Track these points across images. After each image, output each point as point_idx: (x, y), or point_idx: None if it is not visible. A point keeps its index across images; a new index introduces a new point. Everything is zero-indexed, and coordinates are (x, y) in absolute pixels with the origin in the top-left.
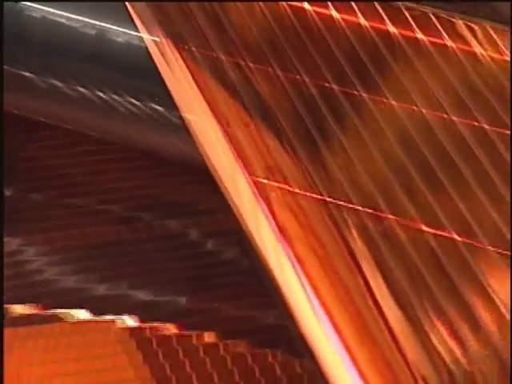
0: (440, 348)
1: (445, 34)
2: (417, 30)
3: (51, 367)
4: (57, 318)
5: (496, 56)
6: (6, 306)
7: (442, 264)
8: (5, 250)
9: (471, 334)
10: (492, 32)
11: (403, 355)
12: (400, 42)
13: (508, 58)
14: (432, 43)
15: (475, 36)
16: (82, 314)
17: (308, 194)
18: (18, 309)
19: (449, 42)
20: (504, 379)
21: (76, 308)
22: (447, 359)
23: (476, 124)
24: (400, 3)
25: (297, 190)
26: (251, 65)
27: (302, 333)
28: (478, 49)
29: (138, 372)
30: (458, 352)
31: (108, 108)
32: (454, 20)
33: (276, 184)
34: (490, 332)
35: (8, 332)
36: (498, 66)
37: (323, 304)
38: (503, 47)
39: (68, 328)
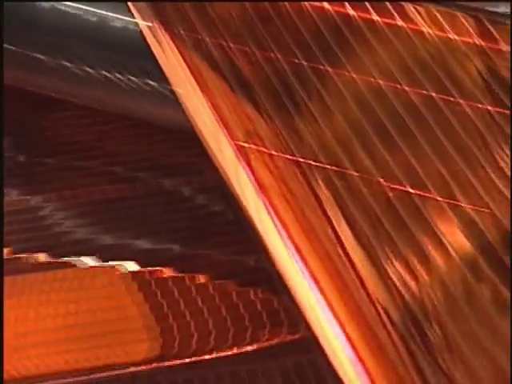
0: (395, 279)
1: (396, 16)
2: (373, 12)
3: (51, 308)
4: (64, 265)
5: (440, 34)
6: (18, 255)
7: (398, 211)
8: (21, 207)
9: (422, 267)
10: (436, 13)
11: (364, 287)
12: (359, 24)
13: (451, 36)
14: (386, 24)
15: (422, 17)
16: (89, 261)
17: (282, 155)
18: (29, 257)
19: (400, 23)
20: (449, 305)
21: (83, 256)
22: (401, 288)
23: (425, 92)
24: None
25: (273, 152)
26: (231, 45)
27: (279, 272)
28: (425, 28)
29: (140, 309)
30: (410, 282)
31: (109, 84)
32: (403, 4)
33: (254, 146)
34: (438, 265)
35: (10, 280)
36: (442, 42)
37: (296, 247)
38: (446, 26)
39: (73, 273)
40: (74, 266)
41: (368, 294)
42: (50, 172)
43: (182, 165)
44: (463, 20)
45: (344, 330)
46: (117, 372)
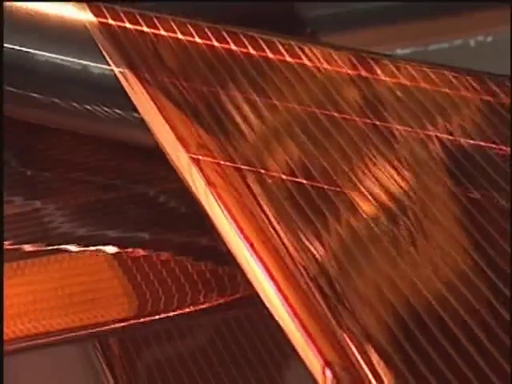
0: (311, 246)
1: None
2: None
3: (44, 284)
4: (56, 251)
5: (322, 67)
6: (19, 245)
7: (311, 195)
8: (24, 209)
9: (329, 236)
10: (316, 51)
11: (290, 253)
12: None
13: (338, 68)
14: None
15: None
16: (75, 247)
17: (224, 162)
18: (28, 246)
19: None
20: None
21: (71, 244)
22: (316, 252)
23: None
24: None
25: (218, 159)
26: (183, 82)
27: (227, 247)
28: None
29: (118, 281)
30: (321, 247)
31: (90, 114)
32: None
33: (204, 156)
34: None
35: (14, 264)
36: (324, 74)
37: (238, 225)
38: (328, 61)
39: (63, 257)
40: (65, 251)
41: (292, 258)
42: (47, 182)
43: (148, 173)
44: (338, 56)
45: (279, 288)
46: (98, 329)
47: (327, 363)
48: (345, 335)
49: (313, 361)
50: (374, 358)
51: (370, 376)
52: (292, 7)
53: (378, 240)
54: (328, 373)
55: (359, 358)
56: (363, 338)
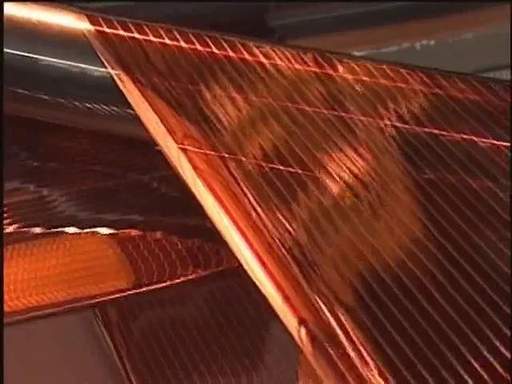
0: (284, 221)
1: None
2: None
3: (48, 261)
4: (59, 233)
5: (285, 66)
6: (26, 228)
7: (285, 178)
8: (33, 196)
9: (301, 209)
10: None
11: (268, 229)
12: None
13: (296, 67)
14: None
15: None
16: (77, 229)
17: (209, 150)
18: (34, 228)
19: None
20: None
21: (73, 226)
22: (289, 225)
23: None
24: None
25: (203, 148)
26: (172, 82)
27: (213, 225)
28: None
29: (116, 257)
30: (294, 220)
31: (90, 112)
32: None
33: (191, 145)
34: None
35: (22, 245)
36: (288, 73)
37: (223, 205)
38: (289, 61)
39: (66, 237)
40: (67, 233)
41: (270, 232)
42: (52, 172)
43: (141, 162)
44: (305, 56)
45: (259, 258)
46: (98, 299)
47: (302, 321)
48: (316, 297)
49: (290, 320)
50: (343, 315)
51: (339, 332)
52: (261, 17)
53: (344, 213)
54: (303, 330)
55: (329, 316)
56: (332, 298)
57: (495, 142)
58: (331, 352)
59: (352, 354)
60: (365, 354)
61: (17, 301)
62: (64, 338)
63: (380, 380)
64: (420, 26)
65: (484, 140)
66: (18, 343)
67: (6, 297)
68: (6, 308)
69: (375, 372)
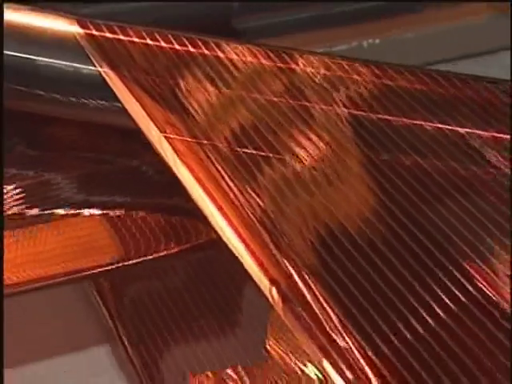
0: (254, 196)
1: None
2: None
3: (46, 239)
4: (56, 214)
5: (249, 60)
6: (27, 210)
7: (255, 157)
8: (33, 181)
9: (268, 183)
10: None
11: (243, 206)
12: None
13: (260, 62)
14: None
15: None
16: (73, 210)
17: (188, 135)
18: (33, 210)
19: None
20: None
21: (69, 207)
22: (259, 199)
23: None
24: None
25: (183, 134)
26: (154, 77)
27: (194, 204)
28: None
29: (106, 233)
30: (260, 196)
31: (84, 105)
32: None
33: (172, 132)
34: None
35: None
36: (250, 67)
37: (202, 184)
38: (254, 57)
39: (62, 218)
40: (63, 214)
41: (242, 205)
42: (49, 160)
43: (129, 149)
44: (269, 52)
45: (234, 228)
46: (92, 271)
47: (273, 282)
48: (285, 260)
49: (262, 281)
50: (307, 275)
51: (305, 289)
52: (229, 21)
53: (306, 186)
54: (274, 289)
55: (296, 276)
56: (299, 261)
57: (440, 125)
58: (299, 307)
59: (316, 308)
60: (327, 307)
61: (17, 274)
62: (61, 306)
63: (341, 329)
64: (367, 27)
65: (430, 124)
66: (18, 313)
67: (6, 271)
68: (7, 281)
69: (337, 322)
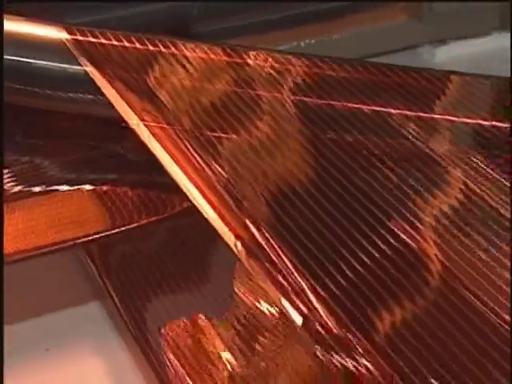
0: (216, 171)
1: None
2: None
3: (41, 213)
4: (50, 191)
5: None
6: (24, 188)
7: (215, 136)
8: (28, 164)
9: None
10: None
11: (210, 179)
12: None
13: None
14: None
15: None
16: (65, 187)
17: (161, 120)
18: (31, 188)
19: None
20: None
21: (61, 185)
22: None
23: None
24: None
25: (158, 119)
26: (131, 73)
27: (171, 178)
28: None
29: (95, 208)
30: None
31: (72, 100)
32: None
33: (149, 118)
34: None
35: (22, 201)
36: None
37: (174, 159)
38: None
39: (55, 194)
40: (56, 190)
41: (208, 174)
42: (44, 146)
43: (114, 136)
44: (225, 49)
45: (203, 194)
46: (83, 239)
47: (237, 237)
48: (246, 219)
49: (229, 237)
50: (265, 229)
51: (263, 242)
52: (188, 25)
53: (258, 155)
54: (238, 243)
55: (256, 231)
56: (258, 218)
57: (375, 108)
58: (259, 257)
59: (274, 256)
60: (282, 255)
61: (16, 244)
62: (57, 270)
63: (295, 272)
64: (304, 29)
65: (361, 106)
66: (18, 277)
67: (7, 241)
68: (7, 250)
69: (291, 267)
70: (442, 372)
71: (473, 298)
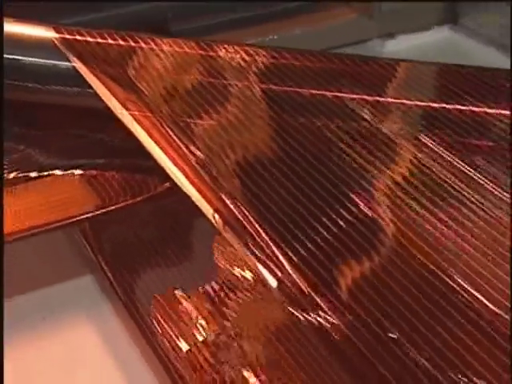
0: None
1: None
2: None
3: (37, 196)
4: (45, 176)
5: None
6: (20, 174)
7: (189, 118)
8: (23, 152)
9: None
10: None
11: (178, 144)
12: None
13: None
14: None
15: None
16: (58, 172)
17: (143, 108)
18: (28, 174)
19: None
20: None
21: (55, 169)
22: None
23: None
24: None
25: (140, 107)
26: (115, 67)
27: (154, 160)
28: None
29: (85, 191)
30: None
31: (62, 93)
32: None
33: (133, 107)
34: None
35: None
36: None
37: (157, 143)
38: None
39: (51, 178)
40: (49, 175)
41: (187, 154)
42: (37, 136)
43: (101, 125)
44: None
45: (183, 172)
46: (75, 219)
47: (216, 210)
48: (222, 194)
49: (208, 210)
50: (239, 201)
51: (238, 213)
52: (165, 26)
53: (230, 136)
54: (216, 216)
55: (231, 204)
56: (233, 192)
57: (338, 94)
58: (236, 227)
59: (248, 226)
60: (256, 224)
61: (14, 224)
62: (53, 248)
63: (268, 240)
64: (268, 27)
65: (328, 93)
66: (18, 254)
67: (6, 223)
68: (6, 231)
69: (264, 235)
70: (401, 322)
71: (423, 257)
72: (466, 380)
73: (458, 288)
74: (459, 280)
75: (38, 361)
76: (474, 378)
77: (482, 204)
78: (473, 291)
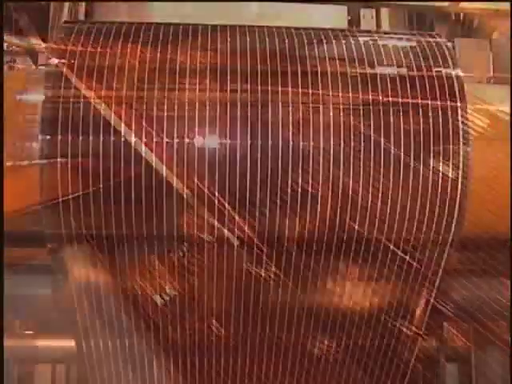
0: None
1: None
2: None
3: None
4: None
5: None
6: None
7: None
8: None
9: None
10: None
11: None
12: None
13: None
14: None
15: None
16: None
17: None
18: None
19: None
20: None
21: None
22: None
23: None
24: None
25: (119, 97)
26: (97, 67)
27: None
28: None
29: None
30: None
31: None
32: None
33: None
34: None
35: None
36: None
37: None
38: None
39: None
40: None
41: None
42: None
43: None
44: None
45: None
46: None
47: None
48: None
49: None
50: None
51: (204, 187)
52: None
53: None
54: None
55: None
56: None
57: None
58: (202, 198)
59: (212, 196)
60: (219, 195)
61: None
62: None
63: (230, 208)
64: None
65: None
66: None
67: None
68: (7, 209)
69: (226, 204)
70: None
71: None
72: None
73: None
74: None
75: None
76: None
77: None
78: None
